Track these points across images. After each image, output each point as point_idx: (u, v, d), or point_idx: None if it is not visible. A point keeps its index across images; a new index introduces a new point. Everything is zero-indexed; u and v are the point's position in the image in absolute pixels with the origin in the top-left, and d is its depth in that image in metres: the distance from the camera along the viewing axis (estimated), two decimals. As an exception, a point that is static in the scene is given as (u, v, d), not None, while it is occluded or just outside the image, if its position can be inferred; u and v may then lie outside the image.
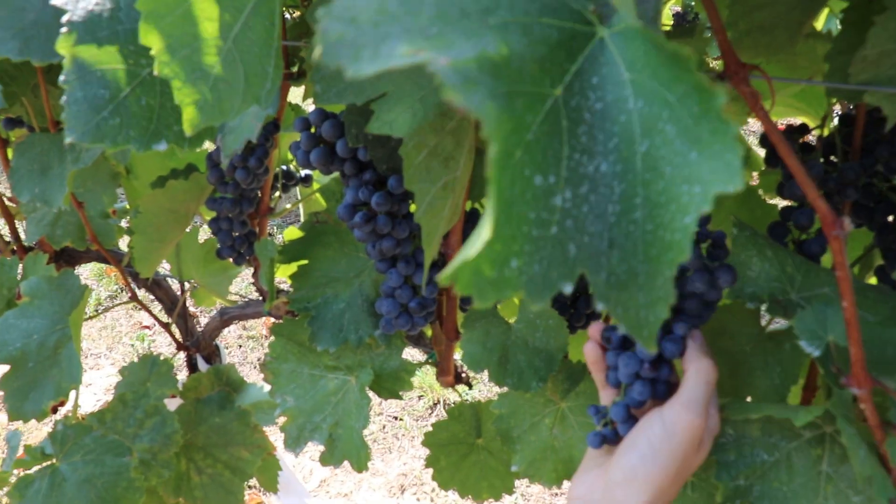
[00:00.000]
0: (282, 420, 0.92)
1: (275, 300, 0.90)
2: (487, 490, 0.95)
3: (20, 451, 0.95)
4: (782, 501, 0.63)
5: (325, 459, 0.90)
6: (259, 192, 0.98)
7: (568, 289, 0.39)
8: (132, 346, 3.12)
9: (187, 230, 1.15)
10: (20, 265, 1.11)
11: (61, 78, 0.55)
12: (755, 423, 0.65)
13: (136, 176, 1.11)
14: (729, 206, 0.83)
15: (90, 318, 1.10)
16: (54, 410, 0.99)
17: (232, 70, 0.54)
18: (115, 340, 3.19)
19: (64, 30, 0.55)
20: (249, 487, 2.30)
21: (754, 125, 4.61)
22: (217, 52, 0.54)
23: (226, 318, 1.18)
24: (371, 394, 0.89)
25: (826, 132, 0.73)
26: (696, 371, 0.61)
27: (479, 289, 0.36)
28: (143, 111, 0.58)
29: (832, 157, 0.74)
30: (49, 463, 0.86)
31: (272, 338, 0.92)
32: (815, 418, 0.63)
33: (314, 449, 2.66)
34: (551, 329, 0.79)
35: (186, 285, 1.23)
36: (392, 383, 0.87)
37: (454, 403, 1.32)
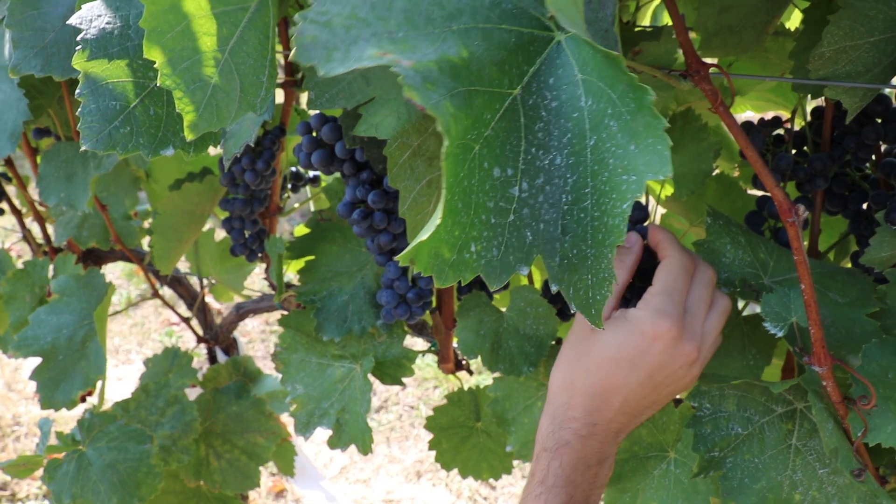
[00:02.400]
0: (293, 407, 0.97)
1: (284, 293, 0.96)
2: (487, 470, 1.00)
3: (52, 438, 1.01)
4: (753, 472, 0.67)
5: (333, 443, 0.95)
6: (269, 193, 1.04)
7: (524, 271, 0.44)
8: (160, 341, 3.21)
9: (204, 230, 1.21)
10: (51, 265, 1.18)
11: (77, 92, 0.60)
12: (731, 398, 0.69)
13: (155, 179, 1.17)
14: (711, 196, 0.87)
15: (116, 313, 1.16)
16: (83, 400, 1.05)
17: (229, 80, 0.59)
18: (144, 336, 3.29)
19: (78, 47, 0.61)
20: (273, 475, 2.37)
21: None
22: (215, 63, 0.59)
23: (241, 312, 1.24)
24: (381, 387, 0.94)
25: (797, 125, 0.77)
26: (665, 264, 0.63)
27: (439, 270, 0.41)
28: (151, 120, 0.64)
29: (805, 149, 0.78)
30: (77, 449, 0.92)
31: (281, 329, 0.97)
32: (787, 390, 0.67)
33: (335, 442, 2.72)
34: (541, 316, 0.83)
35: (205, 282, 1.29)
36: (394, 370, 0.92)
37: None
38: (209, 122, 0.60)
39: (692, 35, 0.70)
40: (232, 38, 0.59)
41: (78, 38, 0.61)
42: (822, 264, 0.74)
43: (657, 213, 1.32)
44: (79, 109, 0.61)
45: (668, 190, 0.88)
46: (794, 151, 0.77)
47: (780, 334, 0.61)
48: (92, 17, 0.63)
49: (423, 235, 0.37)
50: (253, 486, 1.12)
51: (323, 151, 0.81)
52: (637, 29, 0.70)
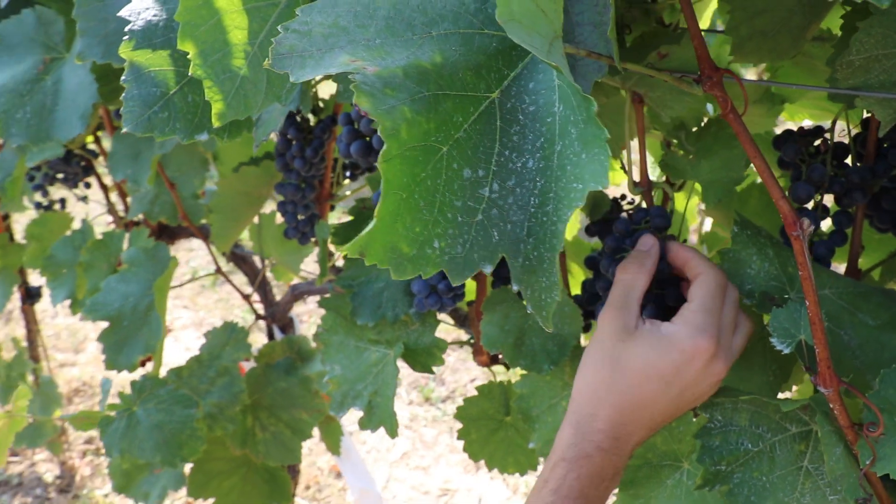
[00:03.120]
0: (330, 387, 1.01)
1: (326, 277, 0.99)
2: (513, 465, 1.01)
3: (112, 397, 1.09)
4: (760, 491, 0.66)
5: (364, 424, 0.98)
6: (321, 179, 1.08)
7: (487, 269, 0.45)
8: (243, 317, 3.36)
9: (266, 212, 1.27)
10: (125, 237, 1.26)
11: (122, 78, 0.65)
12: (744, 412, 0.68)
13: (221, 162, 1.23)
14: (753, 206, 0.85)
15: (180, 285, 1.23)
16: (143, 364, 1.12)
17: (257, 72, 0.62)
18: (227, 311, 3.45)
19: (126, 37, 0.66)
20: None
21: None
22: (244, 56, 0.62)
23: (296, 293, 1.30)
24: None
25: (840, 136, 0.74)
26: (701, 282, 0.62)
27: (397, 264, 0.42)
28: (188, 106, 0.68)
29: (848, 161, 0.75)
30: (128, 408, 0.99)
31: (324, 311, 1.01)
32: (803, 410, 0.65)
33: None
34: (567, 316, 0.83)
35: (266, 262, 1.35)
36: (425, 358, 0.95)
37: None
38: (236, 111, 0.63)
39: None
40: (262, 32, 0.63)
41: (126, 29, 0.66)
42: (857, 283, 0.71)
43: (706, 222, 1.29)
44: (122, 94, 0.65)
45: (695, 200, 0.86)
46: (835, 163, 0.75)
47: (786, 351, 0.59)
48: (140, 9, 0.67)
49: (361, 234, 0.39)
50: (294, 461, 1.17)
51: (361, 142, 0.83)
52: (660, 30, 0.70)
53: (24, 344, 2.17)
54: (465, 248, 0.44)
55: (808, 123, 0.94)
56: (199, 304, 3.49)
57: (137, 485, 1.11)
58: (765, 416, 0.67)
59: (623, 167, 0.83)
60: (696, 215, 1.15)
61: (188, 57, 0.60)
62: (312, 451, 2.69)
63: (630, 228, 0.72)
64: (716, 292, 0.62)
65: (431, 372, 0.96)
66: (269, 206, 1.24)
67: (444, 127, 0.43)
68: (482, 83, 0.44)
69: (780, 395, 0.75)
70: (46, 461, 2.66)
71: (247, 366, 1.28)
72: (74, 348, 3.31)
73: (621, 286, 0.64)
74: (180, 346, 3.19)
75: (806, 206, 0.75)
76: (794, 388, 0.84)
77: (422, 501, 2.52)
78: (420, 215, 0.42)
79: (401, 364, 0.95)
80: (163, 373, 1.12)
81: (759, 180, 0.83)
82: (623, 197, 0.88)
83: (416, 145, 0.41)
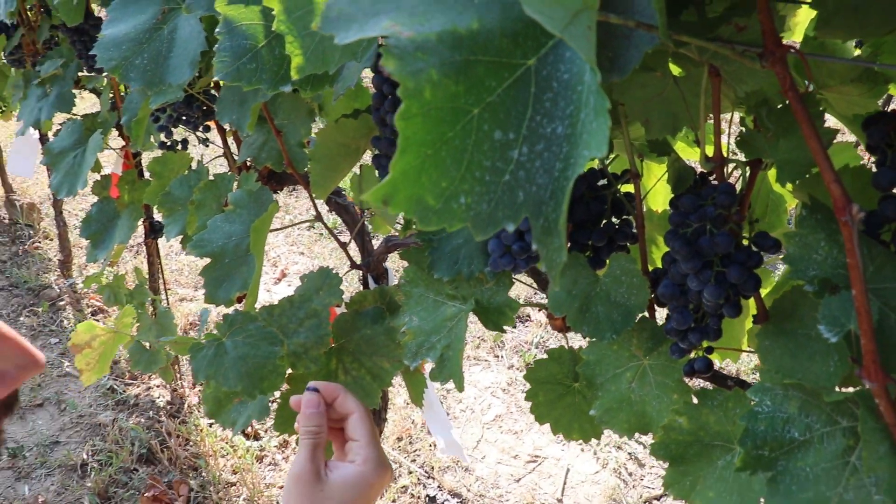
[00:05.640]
0: (406, 337, 1.06)
1: (409, 230, 1.03)
2: (578, 431, 1.02)
3: (208, 327, 1.18)
4: (803, 481, 0.65)
5: (435, 376, 1.02)
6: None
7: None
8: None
9: (367, 163, 1.31)
10: (235, 180, 1.35)
11: (216, 30, 0.70)
12: (795, 400, 0.67)
13: (326, 113, 1.29)
14: (852, 193, 0.81)
15: (277, 229, 1.31)
16: (239, 300, 1.21)
17: (335, 29, 0.66)
18: (342, 260, 3.59)
19: (222, -8, 0.71)
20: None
21: None
22: (324, 13, 0.66)
23: (390, 245, 1.34)
24: (554, 345, 0.99)
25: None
26: (360, 418, 0.82)
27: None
28: (274, 59, 0.72)
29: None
30: (218, 338, 1.07)
31: (406, 264, 1.05)
32: (850, 404, 0.63)
33: (495, 385, 2.82)
34: (634, 287, 0.83)
35: (366, 213, 1.40)
36: (496, 316, 0.97)
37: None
38: (314, 66, 0.67)
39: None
40: (342, -9, 0.66)
41: (222, -17, 0.71)
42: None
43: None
44: (216, 45, 0.70)
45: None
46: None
47: (833, 339, 0.57)
48: (237, -35, 0.72)
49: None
50: (373, 405, 1.22)
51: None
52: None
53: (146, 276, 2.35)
54: (490, 206, 0.46)
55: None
56: (315, 252, 3.65)
57: (226, 412, 1.20)
58: (816, 406, 0.65)
59: (697, 141, 0.81)
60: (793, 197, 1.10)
61: (273, 13, 0.64)
62: (409, 405, 2.78)
63: (697, 204, 0.71)
64: (371, 423, 0.82)
65: (502, 331, 0.98)
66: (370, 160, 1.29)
67: (475, 90, 0.44)
68: (518, 50, 0.45)
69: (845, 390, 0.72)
70: (160, 387, 2.89)
71: (338, 312, 1.34)
72: (194, 284, 3.55)
73: (306, 443, 0.80)
74: (291, 290, 3.36)
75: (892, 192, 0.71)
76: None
77: (510, 465, 2.56)
78: (447, 172, 0.44)
79: (505, 330, 0.98)
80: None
81: (851, 165, 0.79)
82: (711, 173, 0.86)
83: (443, 106, 0.43)
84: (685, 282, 0.73)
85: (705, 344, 0.79)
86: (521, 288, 2.96)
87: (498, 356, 3.01)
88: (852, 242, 0.52)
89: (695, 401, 0.80)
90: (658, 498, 2.38)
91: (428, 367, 1.56)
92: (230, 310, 1.15)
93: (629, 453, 2.54)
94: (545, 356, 1.02)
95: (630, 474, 2.46)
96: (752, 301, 0.81)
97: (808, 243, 0.68)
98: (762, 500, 0.72)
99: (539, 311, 3.23)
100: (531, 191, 0.46)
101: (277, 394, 1.24)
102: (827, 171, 0.52)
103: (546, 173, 0.46)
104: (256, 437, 2.69)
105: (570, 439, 1.04)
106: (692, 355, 0.81)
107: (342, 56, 0.67)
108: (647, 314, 0.87)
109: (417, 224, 0.45)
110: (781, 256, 0.69)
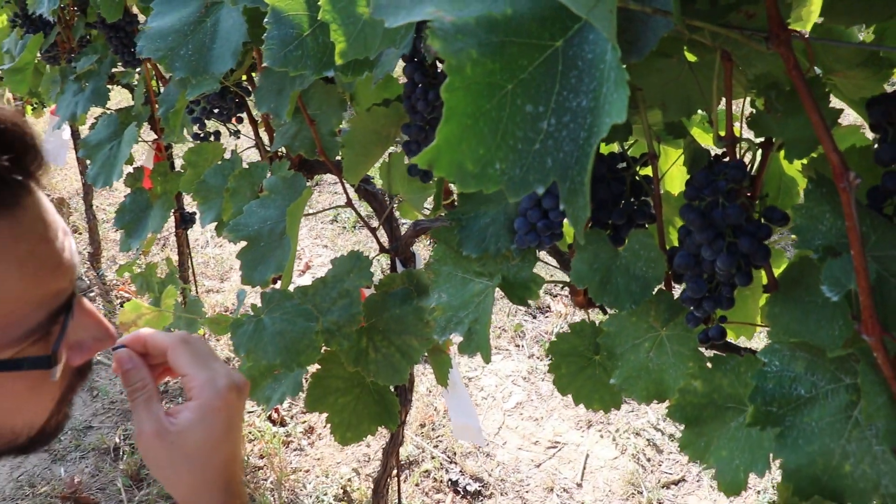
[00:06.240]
0: (435, 312, 1.11)
1: (438, 211, 1.09)
2: (598, 402, 1.07)
3: (245, 307, 1.24)
4: (808, 435, 0.70)
5: (463, 348, 1.08)
6: (442, 123, 1.16)
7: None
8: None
9: (395, 151, 1.37)
10: (268, 168, 1.41)
11: (265, 20, 0.76)
12: (801, 360, 0.71)
13: (357, 102, 1.35)
14: (859, 171, 0.85)
15: (311, 214, 1.37)
16: (274, 282, 1.27)
17: (376, 18, 0.72)
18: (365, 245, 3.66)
19: (267, -16, 0.77)
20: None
21: None
22: (367, 3, 0.72)
23: (418, 229, 1.40)
24: (518, 305, 1.04)
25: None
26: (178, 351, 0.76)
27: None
28: (318, 47, 0.78)
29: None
30: (257, 315, 1.13)
31: (436, 243, 1.11)
32: (853, 361, 0.68)
33: (516, 373, 2.87)
34: (652, 260, 0.89)
35: (395, 199, 1.46)
36: (521, 291, 1.03)
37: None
38: (356, 52, 0.73)
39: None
40: (382, -18, 0.72)
41: (268, -23, 0.77)
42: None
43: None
44: (264, 34, 0.76)
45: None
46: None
47: (834, 299, 0.62)
48: (284, -41, 0.78)
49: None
50: (401, 381, 1.28)
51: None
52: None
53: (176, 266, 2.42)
54: (522, 171, 0.52)
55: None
56: (339, 245, 3.72)
57: (261, 389, 1.26)
58: (821, 365, 0.70)
59: (710, 121, 0.86)
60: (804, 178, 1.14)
61: (319, 3, 0.70)
62: (431, 392, 2.84)
63: (710, 179, 0.76)
64: (193, 347, 0.76)
65: (527, 305, 1.04)
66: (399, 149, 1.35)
67: (509, 68, 0.50)
68: (547, 33, 0.51)
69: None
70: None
71: (368, 293, 1.40)
72: (220, 276, 3.63)
73: (137, 401, 0.74)
74: (318, 280, 3.44)
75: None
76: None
77: (531, 451, 2.61)
78: (484, 140, 0.50)
79: (526, 321, 1.04)
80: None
81: (858, 144, 0.84)
82: (725, 154, 0.91)
83: (481, 81, 0.48)
84: (699, 252, 0.78)
85: (719, 313, 0.84)
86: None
87: (519, 346, 3.07)
88: (850, 206, 0.57)
89: (709, 367, 0.85)
90: (676, 483, 2.43)
91: (453, 349, 1.62)
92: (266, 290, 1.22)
93: (648, 439, 2.59)
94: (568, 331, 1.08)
95: (648, 460, 2.50)
96: (763, 274, 0.86)
97: (814, 214, 0.72)
98: (771, 455, 0.77)
99: (559, 301, 3.28)
100: (559, 157, 0.52)
101: (311, 370, 1.31)
102: (826, 140, 0.57)
103: (572, 142, 0.52)
104: (283, 424, 2.77)
105: (590, 409, 1.10)
106: (707, 325, 0.86)
107: (382, 42, 0.73)
108: (664, 287, 0.92)
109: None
110: (790, 227, 0.74)
